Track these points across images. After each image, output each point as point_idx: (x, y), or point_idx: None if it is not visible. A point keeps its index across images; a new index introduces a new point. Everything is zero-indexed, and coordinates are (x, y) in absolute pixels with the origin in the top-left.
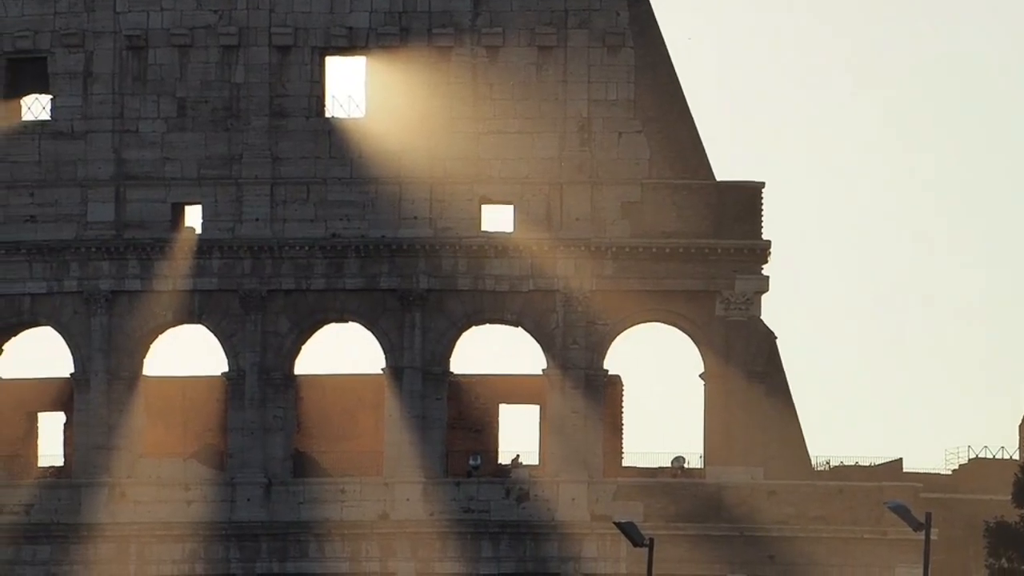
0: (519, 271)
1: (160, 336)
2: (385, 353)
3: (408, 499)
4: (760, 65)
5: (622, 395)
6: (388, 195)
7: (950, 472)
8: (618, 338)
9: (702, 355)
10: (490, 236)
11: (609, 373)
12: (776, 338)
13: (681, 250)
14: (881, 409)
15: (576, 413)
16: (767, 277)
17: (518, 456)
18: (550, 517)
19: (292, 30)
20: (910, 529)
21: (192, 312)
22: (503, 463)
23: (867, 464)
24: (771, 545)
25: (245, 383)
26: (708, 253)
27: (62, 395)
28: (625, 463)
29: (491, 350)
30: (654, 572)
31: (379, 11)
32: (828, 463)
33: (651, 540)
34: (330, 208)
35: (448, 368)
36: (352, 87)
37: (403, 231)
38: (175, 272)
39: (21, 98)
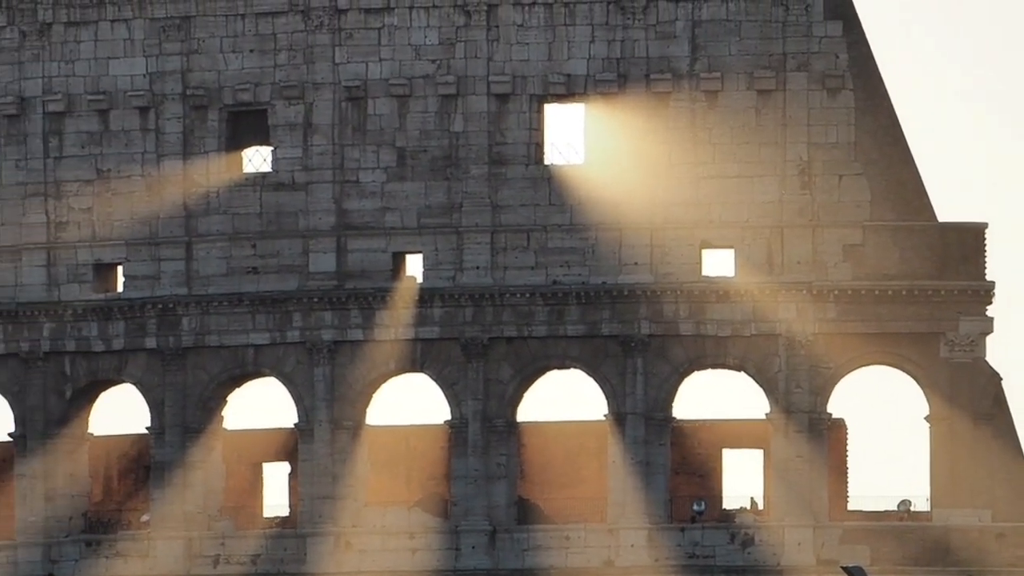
0: (741, 315)
1: (383, 385)
2: (607, 399)
3: (633, 545)
4: (981, 104)
5: (846, 438)
6: (608, 241)
7: None
8: (841, 381)
9: (927, 397)
10: (711, 281)
11: (833, 416)
12: (1002, 379)
13: (904, 292)
14: None
15: (800, 457)
16: (991, 318)
17: (754, 501)
18: (776, 562)
19: (510, 78)
20: None
21: (414, 361)
22: (728, 508)
23: None
24: None
25: (468, 431)
26: (931, 295)
27: (287, 445)
28: (850, 507)
29: (714, 395)
30: None
31: (597, 58)
32: None
33: None
34: (550, 255)
35: (671, 414)
36: (571, 134)
37: (623, 277)
38: (397, 321)
39: (242, 150)
